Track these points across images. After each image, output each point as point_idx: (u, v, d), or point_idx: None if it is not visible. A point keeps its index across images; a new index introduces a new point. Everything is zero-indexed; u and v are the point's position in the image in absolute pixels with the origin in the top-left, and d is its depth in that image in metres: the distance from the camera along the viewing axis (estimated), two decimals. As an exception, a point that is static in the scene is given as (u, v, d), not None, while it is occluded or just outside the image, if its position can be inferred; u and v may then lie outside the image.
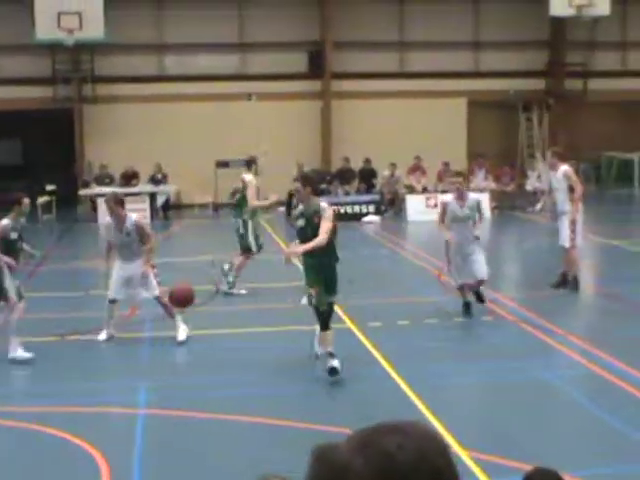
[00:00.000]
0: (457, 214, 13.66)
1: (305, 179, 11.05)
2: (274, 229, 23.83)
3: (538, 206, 27.34)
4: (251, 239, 16.05)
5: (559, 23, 31.29)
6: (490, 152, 30.05)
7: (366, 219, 26.03)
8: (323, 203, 10.76)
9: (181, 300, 12.50)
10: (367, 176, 28.92)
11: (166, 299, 12.64)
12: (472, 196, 14.22)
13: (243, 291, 15.93)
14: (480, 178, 27.87)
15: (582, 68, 32.21)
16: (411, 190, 27.98)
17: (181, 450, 8.69)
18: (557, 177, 15.68)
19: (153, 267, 13.16)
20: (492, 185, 27.70)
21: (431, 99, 30.62)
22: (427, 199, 26.74)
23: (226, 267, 15.99)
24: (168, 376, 11.29)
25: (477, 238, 13.59)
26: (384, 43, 31.21)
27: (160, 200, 28.14)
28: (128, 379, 11.25)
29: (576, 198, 15.39)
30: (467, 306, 13.72)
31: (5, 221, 12.26)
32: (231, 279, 15.82)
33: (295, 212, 11.00)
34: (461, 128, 31.31)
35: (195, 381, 11.03)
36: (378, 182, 28.88)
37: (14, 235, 12.27)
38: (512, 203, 27.70)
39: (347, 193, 28.58)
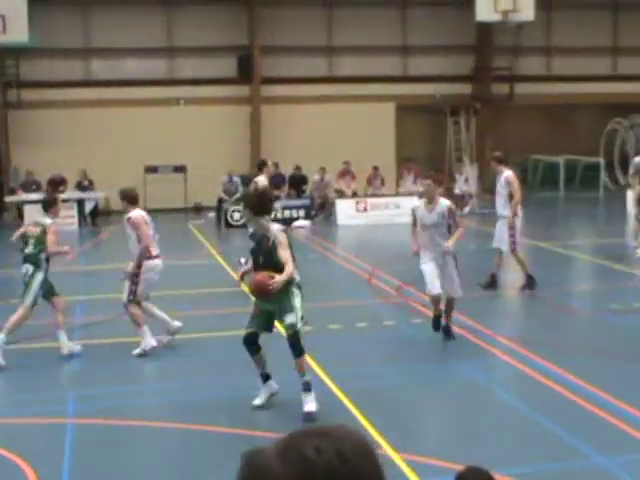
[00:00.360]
0: (425, 221, 12.47)
1: (245, 201, 10.33)
2: (205, 235, 23.72)
3: (466, 209, 27.75)
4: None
5: (485, 28, 31.70)
6: (419, 156, 30.34)
7: (296, 223, 26.05)
8: (275, 227, 9.70)
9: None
10: (297, 183, 28.94)
11: (134, 310, 12.33)
12: (443, 202, 12.55)
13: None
14: (409, 182, 28.08)
15: (508, 73, 32.67)
16: (341, 194, 28.09)
17: (111, 459, 8.59)
18: (500, 182, 16.04)
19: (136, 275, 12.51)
20: (421, 189, 27.88)
21: (360, 104, 30.78)
22: (357, 203, 26.87)
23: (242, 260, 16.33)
24: (97, 385, 11.15)
25: (447, 250, 12.33)
26: (313, 48, 31.31)
27: (88, 207, 27.81)
28: (56, 389, 11.09)
29: (513, 204, 15.72)
30: (436, 320, 12.50)
31: None
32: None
33: (249, 232, 10.40)
34: (390, 132, 31.52)
35: (124, 390, 10.91)
36: (308, 187, 28.93)
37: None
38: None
39: (277, 198, 28.53)
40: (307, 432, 1.98)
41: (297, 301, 9.63)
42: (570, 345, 12.77)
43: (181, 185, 29.18)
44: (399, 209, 25.53)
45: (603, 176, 32.98)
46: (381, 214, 26.27)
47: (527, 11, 29.59)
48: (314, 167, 28.50)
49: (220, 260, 20.08)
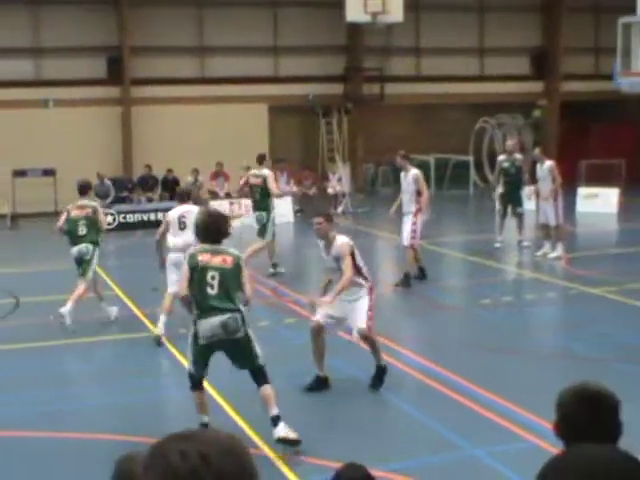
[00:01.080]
0: (327, 264, 10.93)
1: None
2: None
3: (340, 208, 27.99)
4: (271, 228, 17.88)
5: (355, 29, 32.01)
6: (292, 156, 30.40)
7: (170, 226, 25.78)
8: (232, 250, 8.90)
9: None
10: (170, 186, 28.64)
11: None
12: (339, 243, 10.59)
13: (283, 269, 18.11)
14: (283, 183, 28.12)
15: (379, 73, 33.06)
16: (214, 196, 27.95)
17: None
18: (407, 179, 16.62)
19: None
20: (294, 189, 28.01)
21: (232, 104, 30.65)
22: (230, 204, 26.76)
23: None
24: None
25: (320, 303, 10.55)
26: (184, 48, 31.05)
27: (-47, 212, 26.95)
28: None
29: (422, 201, 16.35)
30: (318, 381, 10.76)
31: None
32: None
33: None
34: (263, 133, 31.49)
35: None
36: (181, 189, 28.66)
37: None
38: (315, 206, 28.06)
39: (150, 200, 28.27)
40: (172, 437, 1.98)
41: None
42: (443, 340, 13.03)
43: (51, 189, 28.53)
44: (274, 210, 25.48)
45: (472, 174, 33.71)
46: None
47: (396, 12, 29.97)
48: (187, 168, 28.28)
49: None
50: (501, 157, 20.70)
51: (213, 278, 8.64)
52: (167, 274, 13.07)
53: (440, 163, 34.04)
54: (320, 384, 10.69)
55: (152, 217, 25.79)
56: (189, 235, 12.42)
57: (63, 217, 14.05)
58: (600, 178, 32.77)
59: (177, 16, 30.90)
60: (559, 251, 18.95)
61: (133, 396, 10.49)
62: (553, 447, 3.34)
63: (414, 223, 16.30)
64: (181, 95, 30.33)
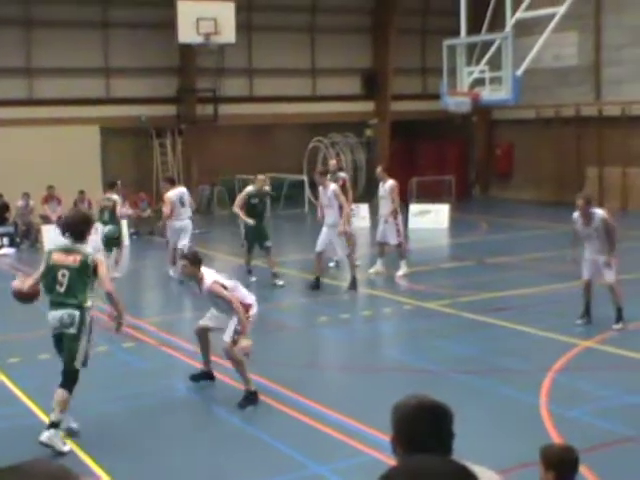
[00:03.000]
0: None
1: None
2: None
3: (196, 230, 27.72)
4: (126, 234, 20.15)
5: (188, 50, 31.90)
6: (126, 178, 29.94)
7: (0, 252, 25.02)
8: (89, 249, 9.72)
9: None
10: (0, 211, 27.73)
11: None
12: (208, 285, 10.68)
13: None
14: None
15: (212, 94, 33.01)
16: (46, 220, 27.22)
17: None
18: (327, 195, 17.96)
19: None
20: (129, 211, 27.59)
21: (62, 126, 29.94)
22: (64, 228, 26.13)
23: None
24: None
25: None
26: (10, 69, 30.18)
27: None
28: None
29: (346, 213, 18.02)
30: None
31: None
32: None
33: None
34: (95, 155, 30.90)
35: None
36: (11, 214, 27.82)
37: None
38: (150, 228, 27.77)
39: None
40: (1, 471, 1.91)
41: None
42: (283, 359, 13.08)
43: None
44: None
45: (307, 193, 34.03)
46: (89, 238, 25.59)
47: (229, 33, 30.09)
48: (18, 192, 27.44)
49: None
50: (342, 174, 20.62)
51: (63, 276, 9.36)
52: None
53: (275, 183, 34.19)
54: (203, 376, 11.49)
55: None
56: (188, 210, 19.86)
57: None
58: (431, 194, 33.77)
59: (3, 37, 30.02)
60: (404, 268, 19.27)
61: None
62: (393, 459, 3.39)
63: (343, 233, 17.87)
64: (8, 117, 29.41)
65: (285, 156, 35.02)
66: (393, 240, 19.28)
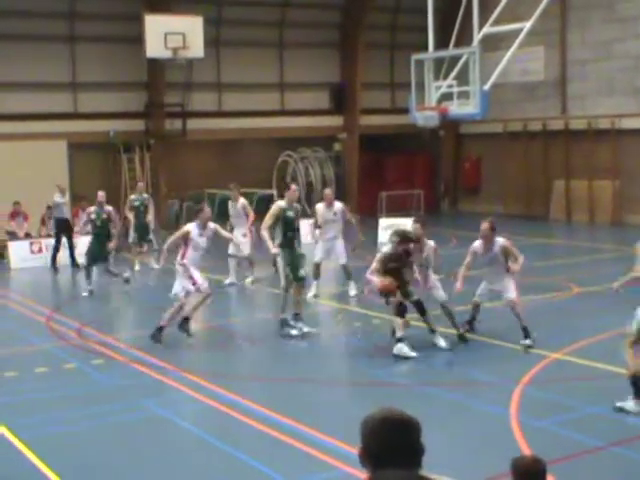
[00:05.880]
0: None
1: None
2: None
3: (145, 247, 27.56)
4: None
5: (156, 65, 31.81)
6: (94, 194, 29.76)
7: (-34, 269, 24.84)
8: None
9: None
10: (-35, 227, 27.51)
11: None
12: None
13: None
14: (84, 221, 27.46)
15: (180, 109, 32.95)
16: (13, 236, 27.00)
17: None
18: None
19: None
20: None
21: (29, 141, 29.70)
22: (31, 244, 25.97)
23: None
24: None
25: None
26: (-24, 84, 29.95)
27: None
28: None
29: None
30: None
31: None
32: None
33: None
34: (62, 171, 30.64)
35: None
36: (-23, 230, 27.59)
37: None
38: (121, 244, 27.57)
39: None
40: None
41: None
42: (249, 373, 13.06)
43: None
44: (76, 248, 24.93)
45: (277, 207, 33.99)
46: (59, 255, 25.40)
47: (197, 48, 30.05)
48: (-17, 209, 27.21)
49: None
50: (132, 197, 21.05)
51: None
52: None
53: (245, 197, 34.16)
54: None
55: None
56: None
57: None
58: (399, 208, 33.86)
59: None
60: (353, 288, 19.03)
61: None
62: (363, 474, 3.38)
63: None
64: (-26, 133, 29.20)
65: (254, 170, 34.97)
66: (343, 260, 19.16)
